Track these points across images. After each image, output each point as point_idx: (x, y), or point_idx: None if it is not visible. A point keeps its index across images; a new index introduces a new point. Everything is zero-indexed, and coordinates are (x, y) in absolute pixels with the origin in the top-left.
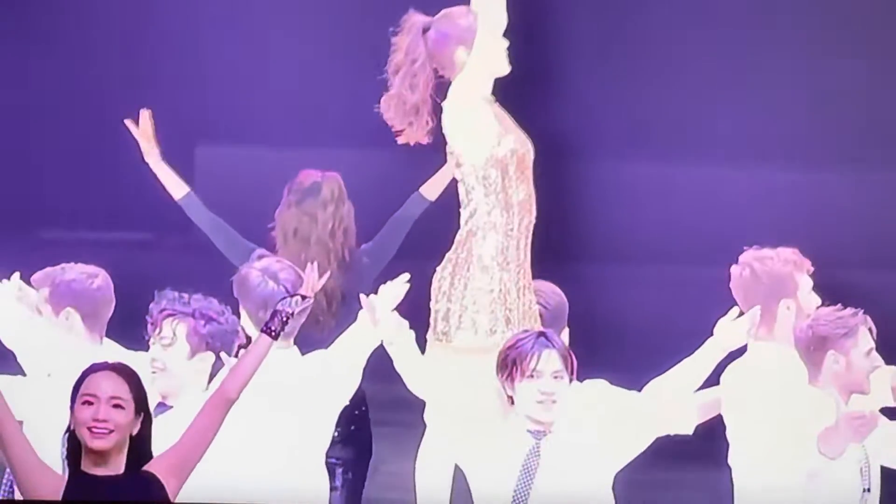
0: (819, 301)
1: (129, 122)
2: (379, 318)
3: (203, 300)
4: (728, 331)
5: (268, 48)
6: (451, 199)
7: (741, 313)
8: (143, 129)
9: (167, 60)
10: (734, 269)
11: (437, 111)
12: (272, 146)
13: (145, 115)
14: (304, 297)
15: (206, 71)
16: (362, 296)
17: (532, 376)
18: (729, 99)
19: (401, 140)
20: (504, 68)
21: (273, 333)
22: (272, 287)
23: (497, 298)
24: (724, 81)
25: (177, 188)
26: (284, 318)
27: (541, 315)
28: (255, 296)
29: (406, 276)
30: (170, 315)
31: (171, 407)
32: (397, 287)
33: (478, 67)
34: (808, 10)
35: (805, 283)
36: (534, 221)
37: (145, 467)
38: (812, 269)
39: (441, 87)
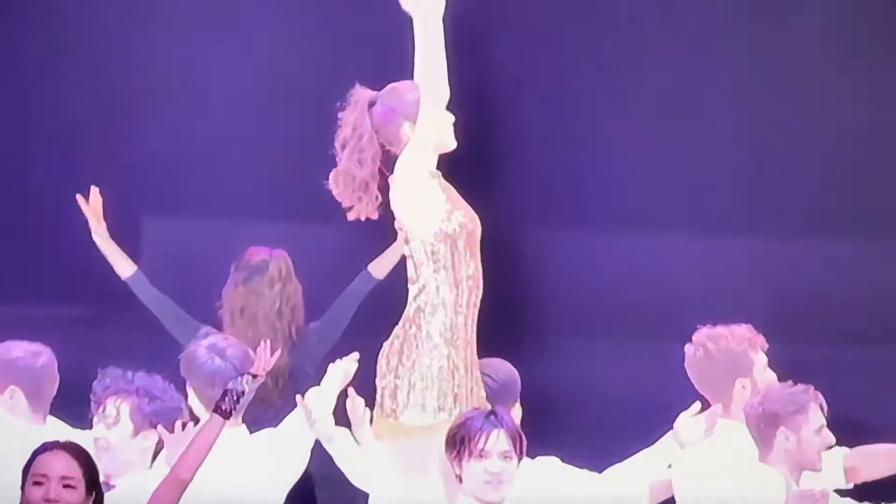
0: (775, 377)
1: (79, 198)
2: (314, 419)
3: (147, 378)
4: (687, 428)
5: (216, 121)
6: (397, 274)
7: (702, 409)
8: (92, 206)
9: (114, 133)
10: (688, 349)
11: (386, 186)
12: (219, 222)
13: (95, 191)
14: (254, 377)
15: (153, 145)
16: (298, 397)
17: (480, 456)
18: (680, 172)
19: (351, 216)
20: (450, 143)
21: (225, 413)
22: (219, 363)
23: (445, 376)
24: (673, 155)
25: (124, 266)
26: (235, 398)
27: (489, 389)
28: (203, 372)
29: (355, 355)
30: (113, 393)
31: (114, 486)
32: (346, 366)
33: (423, 142)
34: (756, 80)
35: (760, 360)
36: (480, 297)
37: None
38: (766, 345)
39: (389, 162)
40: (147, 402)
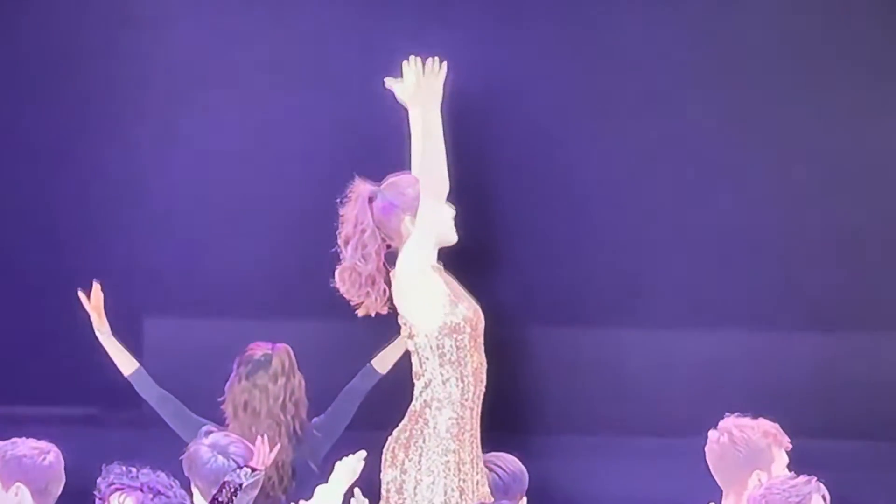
0: (792, 474)
1: (80, 294)
2: None
3: (151, 474)
4: None
5: (218, 218)
6: (400, 367)
7: None
8: (94, 303)
9: (116, 229)
10: (713, 434)
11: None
12: (221, 320)
13: (96, 287)
14: (253, 470)
15: (155, 241)
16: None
17: None
18: (682, 260)
19: (360, 313)
20: (451, 237)
21: None
22: (222, 462)
23: (452, 470)
24: (677, 243)
25: (126, 363)
26: (233, 490)
27: (500, 482)
28: (206, 472)
29: (363, 453)
30: (118, 489)
31: None
32: (354, 464)
33: (424, 236)
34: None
35: (781, 458)
36: (484, 390)
37: None
38: (790, 446)
39: (391, 257)
40: (151, 498)
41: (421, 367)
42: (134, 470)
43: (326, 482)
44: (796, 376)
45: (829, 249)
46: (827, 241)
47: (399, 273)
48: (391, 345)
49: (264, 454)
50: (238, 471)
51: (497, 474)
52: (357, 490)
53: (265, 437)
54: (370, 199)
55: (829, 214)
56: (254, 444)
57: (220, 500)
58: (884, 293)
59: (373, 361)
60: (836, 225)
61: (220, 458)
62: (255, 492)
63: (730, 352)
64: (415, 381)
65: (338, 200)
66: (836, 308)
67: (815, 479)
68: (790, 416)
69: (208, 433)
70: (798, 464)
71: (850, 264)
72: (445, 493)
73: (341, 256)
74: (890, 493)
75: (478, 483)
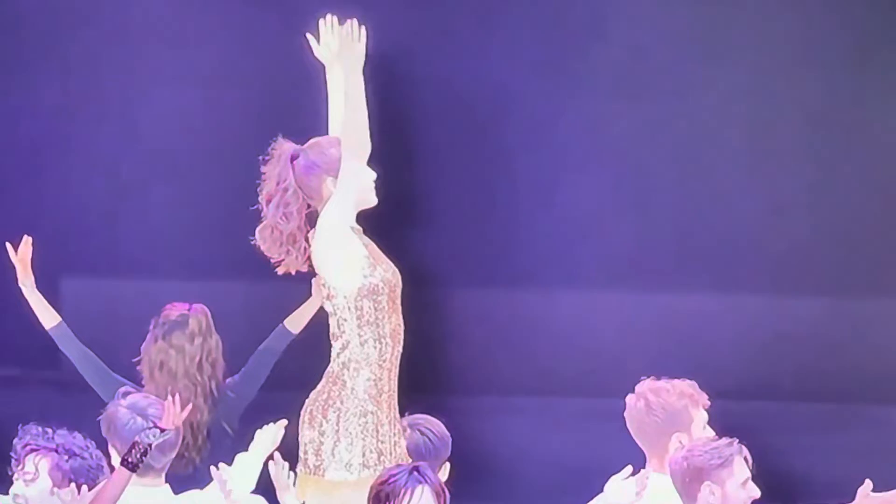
0: (714, 436)
1: (9, 246)
2: (229, 489)
3: (67, 435)
4: (618, 492)
5: (136, 177)
6: (318, 327)
7: (632, 473)
8: (21, 256)
9: (30, 189)
10: (629, 399)
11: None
12: (138, 280)
13: (27, 240)
14: (162, 430)
15: (72, 201)
16: (213, 468)
17: None
18: (603, 221)
19: (280, 270)
20: (371, 199)
21: (131, 465)
22: (141, 423)
23: (370, 431)
24: (599, 204)
25: (49, 318)
26: (143, 450)
27: (429, 444)
28: (125, 433)
29: (284, 421)
30: (33, 450)
31: None
32: (275, 432)
33: (345, 196)
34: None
35: (700, 417)
36: (401, 351)
37: None
38: (708, 403)
39: (311, 217)
40: (66, 460)
41: (339, 328)
42: (50, 431)
43: (240, 443)
44: (721, 337)
45: (756, 209)
46: (755, 200)
47: (318, 234)
48: (304, 305)
49: (174, 413)
50: (147, 431)
51: (428, 437)
52: (277, 454)
53: (176, 396)
54: (293, 158)
55: (755, 178)
56: None
57: (130, 460)
58: (815, 255)
59: (285, 321)
60: (764, 185)
61: (139, 419)
62: (174, 453)
63: (651, 312)
64: (332, 342)
65: (260, 158)
66: (766, 269)
67: (737, 440)
68: (716, 378)
69: (126, 394)
70: (722, 428)
71: (777, 224)
72: (364, 455)
73: (262, 214)
74: (813, 454)
75: (395, 444)
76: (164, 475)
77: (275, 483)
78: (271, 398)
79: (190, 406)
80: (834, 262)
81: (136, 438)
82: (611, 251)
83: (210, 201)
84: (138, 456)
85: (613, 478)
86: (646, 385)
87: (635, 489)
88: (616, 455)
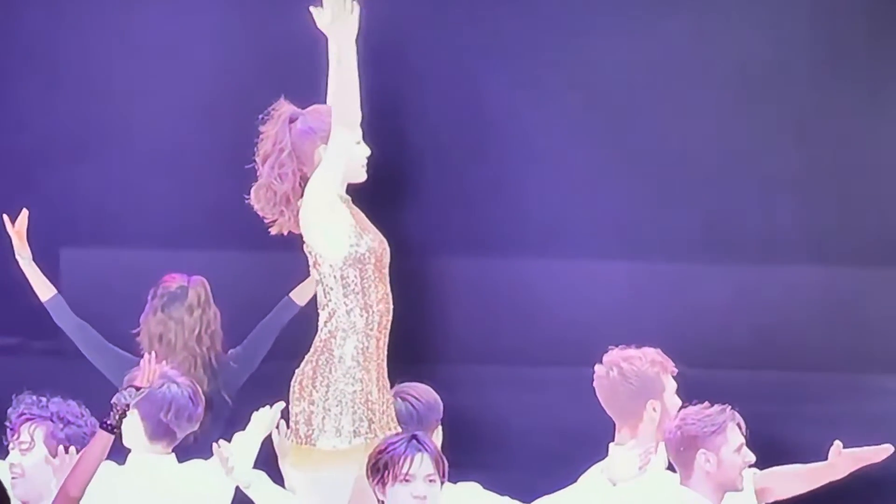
0: (679, 403)
1: (5, 218)
2: (231, 465)
3: (62, 403)
4: (621, 465)
5: (135, 148)
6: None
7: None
8: (18, 228)
9: (31, 160)
10: (599, 369)
11: None
12: (136, 250)
13: (24, 213)
14: (138, 388)
15: (72, 174)
16: (214, 445)
17: (405, 480)
18: (588, 193)
19: (273, 230)
20: (360, 175)
21: (110, 428)
22: (175, 389)
23: (360, 400)
24: (582, 179)
25: (45, 290)
26: (121, 411)
27: (415, 412)
28: (156, 398)
29: (281, 404)
30: (28, 419)
31: None
32: (272, 414)
33: (333, 163)
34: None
35: (670, 384)
36: (391, 320)
37: None
38: (675, 370)
39: (306, 182)
40: (62, 428)
41: (325, 297)
42: (44, 400)
43: (237, 411)
44: (705, 306)
45: (740, 181)
46: (739, 176)
47: (306, 201)
48: (310, 277)
49: (149, 371)
50: (123, 391)
51: (411, 403)
52: (282, 423)
53: (152, 354)
54: (291, 121)
55: (740, 156)
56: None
57: (109, 423)
58: (795, 224)
59: (291, 293)
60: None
61: (174, 385)
62: (198, 422)
63: (635, 282)
64: (319, 311)
65: (259, 117)
66: (751, 240)
67: (730, 407)
68: (696, 346)
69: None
70: (707, 396)
71: (759, 195)
72: (354, 424)
73: (258, 174)
74: (810, 423)
75: (385, 413)
76: (171, 446)
77: (277, 451)
78: (262, 368)
79: (164, 363)
80: (814, 235)
81: (113, 400)
82: (598, 221)
83: (209, 172)
84: (117, 418)
85: (616, 449)
86: (616, 354)
87: (638, 462)
88: (600, 421)
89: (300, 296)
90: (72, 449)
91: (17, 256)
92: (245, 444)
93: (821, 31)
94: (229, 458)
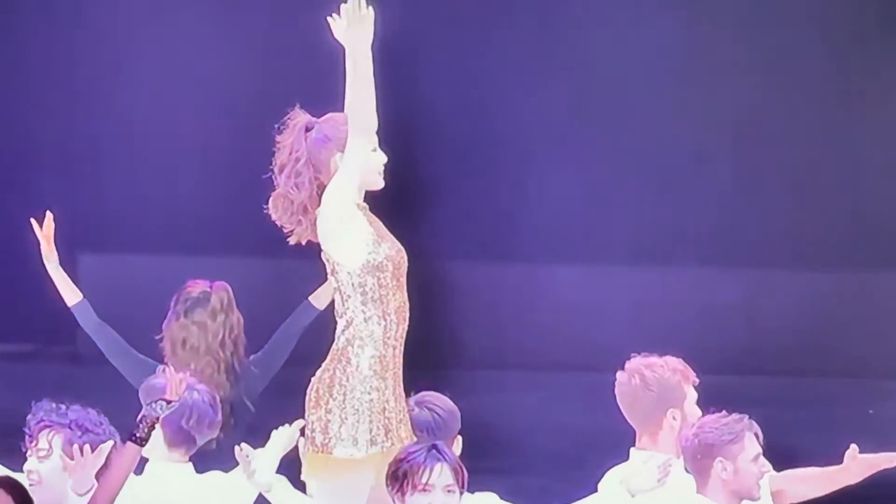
0: (699, 413)
1: (33, 222)
2: (253, 469)
3: (80, 411)
4: (640, 477)
5: (156, 153)
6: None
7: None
8: (45, 231)
9: (51, 166)
10: (621, 376)
11: None
12: (160, 255)
13: (49, 217)
14: (168, 402)
15: (94, 180)
16: (236, 447)
17: (424, 490)
18: (602, 201)
19: (291, 240)
20: (378, 183)
21: (139, 441)
22: (197, 397)
23: (376, 408)
24: (601, 187)
25: (71, 294)
26: (150, 423)
27: (436, 421)
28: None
29: (300, 422)
30: (46, 426)
31: None
32: (291, 432)
33: (350, 172)
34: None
35: (691, 393)
36: (407, 329)
37: None
38: (697, 380)
39: (323, 190)
40: (80, 436)
41: (343, 305)
42: (63, 407)
43: (257, 415)
44: (715, 314)
45: (747, 188)
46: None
47: (323, 210)
48: (328, 281)
49: (176, 384)
50: (154, 404)
51: (436, 413)
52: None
53: (170, 367)
54: (307, 129)
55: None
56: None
57: (138, 435)
58: (799, 230)
59: (310, 297)
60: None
61: (196, 393)
62: (218, 430)
63: (648, 289)
64: (337, 319)
65: (276, 127)
66: (758, 247)
67: (748, 417)
68: (712, 354)
69: (165, 370)
70: (725, 404)
71: (766, 203)
72: (371, 432)
73: (275, 183)
74: (819, 428)
75: (401, 421)
76: (188, 455)
77: (302, 460)
78: (280, 375)
79: (188, 375)
80: (813, 241)
81: (144, 413)
82: (615, 228)
83: (231, 179)
84: (146, 430)
85: (635, 460)
86: (638, 361)
87: (658, 475)
88: (614, 426)
89: (319, 300)
90: (86, 448)
91: (45, 260)
92: (264, 460)
93: (827, 30)
94: (252, 461)
